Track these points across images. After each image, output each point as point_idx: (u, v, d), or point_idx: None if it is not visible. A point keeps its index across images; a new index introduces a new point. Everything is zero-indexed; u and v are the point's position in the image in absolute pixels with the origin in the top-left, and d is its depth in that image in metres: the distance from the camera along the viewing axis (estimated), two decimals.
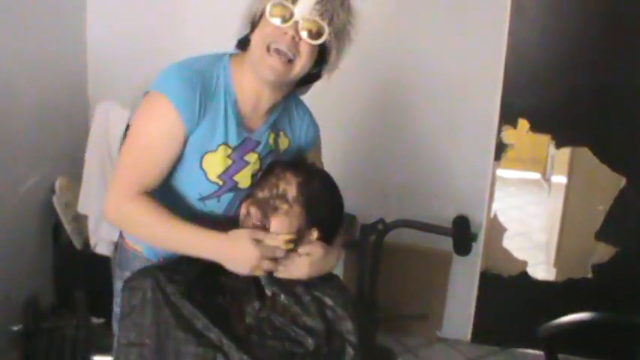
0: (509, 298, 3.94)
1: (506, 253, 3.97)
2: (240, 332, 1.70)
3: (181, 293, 1.67)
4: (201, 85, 1.77)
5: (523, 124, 3.68)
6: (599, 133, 3.67)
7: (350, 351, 1.75)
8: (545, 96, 3.67)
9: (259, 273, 1.74)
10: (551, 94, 3.66)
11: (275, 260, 1.75)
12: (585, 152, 3.69)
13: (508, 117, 3.68)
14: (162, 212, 1.76)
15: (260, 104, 1.88)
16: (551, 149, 5.53)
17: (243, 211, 1.82)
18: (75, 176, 3.54)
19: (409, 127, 3.81)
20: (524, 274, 3.93)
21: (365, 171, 3.87)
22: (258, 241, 1.71)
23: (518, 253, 4.01)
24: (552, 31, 3.61)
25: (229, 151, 1.83)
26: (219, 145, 1.82)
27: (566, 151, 3.89)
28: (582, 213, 3.90)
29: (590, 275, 3.83)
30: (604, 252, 3.80)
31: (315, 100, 3.74)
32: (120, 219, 1.83)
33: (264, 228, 1.75)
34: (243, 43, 1.85)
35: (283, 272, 1.78)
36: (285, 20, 1.72)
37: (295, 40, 1.74)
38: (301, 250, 1.79)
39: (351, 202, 3.69)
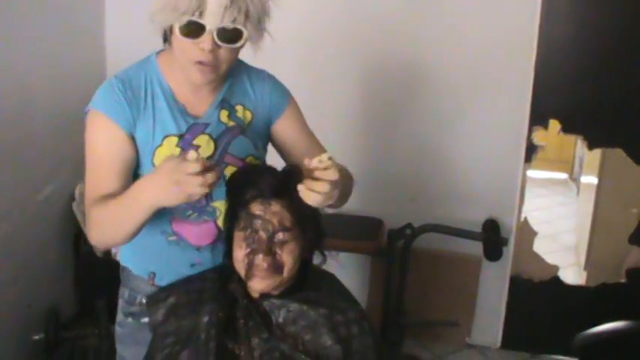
0: (540, 304, 3.86)
1: (537, 258, 3.89)
2: None
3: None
4: (126, 90, 1.81)
5: (554, 124, 3.60)
6: (634, 133, 3.57)
7: None
8: (577, 96, 3.58)
9: (190, 193, 1.56)
10: (583, 93, 3.57)
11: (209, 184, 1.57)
12: (618, 153, 3.60)
13: (539, 118, 3.59)
14: (107, 199, 1.74)
15: (200, 90, 1.86)
16: (579, 150, 5.47)
17: (242, 264, 1.70)
18: None
19: (437, 130, 3.74)
20: (556, 279, 3.84)
21: (392, 175, 3.81)
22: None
23: (549, 257, 3.93)
24: (585, 28, 3.51)
25: (176, 139, 1.82)
26: (164, 137, 1.82)
27: (597, 152, 3.80)
28: (615, 215, 3.82)
29: (624, 280, 3.73)
30: (639, 256, 3.69)
31: (343, 103, 3.73)
32: (92, 228, 1.81)
33: (279, 269, 1.67)
34: (167, 38, 1.82)
35: (316, 186, 1.61)
36: (197, 36, 1.67)
37: (215, 49, 1.69)
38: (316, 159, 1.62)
39: (378, 207, 3.70)
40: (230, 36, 1.68)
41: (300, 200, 1.66)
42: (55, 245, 3.50)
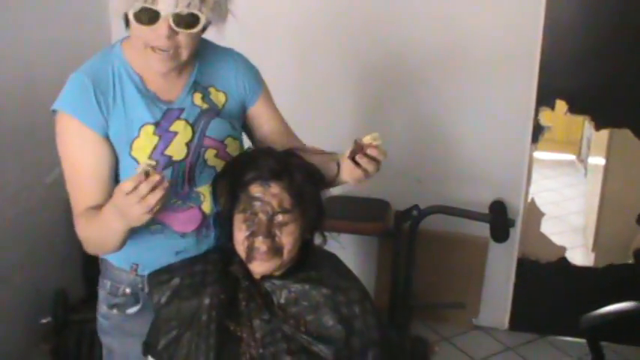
0: (547, 285, 3.85)
1: (544, 239, 3.89)
2: (254, 352, 1.66)
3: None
4: (93, 84, 1.77)
5: (561, 105, 3.57)
6: None
7: (371, 352, 1.68)
8: (584, 76, 3.54)
9: (142, 212, 1.51)
10: (590, 74, 3.53)
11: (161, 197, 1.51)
12: (626, 134, 3.57)
13: (545, 98, 3.56)
14: (90, 215, 1.72)
15: (168, 75, 1.82)
16: (587, 130, 5.44)
17: (242, 247, 1.69)
18: None
19: (443, 111, 3.72)
20: (563, 260, 3.83)
21: (398, 156, 3.77)
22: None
23: (556, 238, 3.93)
24: (591, 8, 3.47)
25: (152, 128, 1.79)
26: (140, 127, 1.78)
27: (604, 133, 3.78)
28: (622, 196, 3.82)
29: (631, 261, 3.72)
30: None
31: (348, 84, 3.72)
32: (83, 241, 1.79)
33: (278, 252, 1.67)
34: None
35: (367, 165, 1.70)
36: (152, 22, 1.64)
37: (171, 36, 1.66)
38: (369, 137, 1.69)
39: (385, 189, 3.69)
40: (187, 21, 1.65)
41: (299, 181, 1.67)
42: (62, 229, 3.50)
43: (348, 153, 1.70)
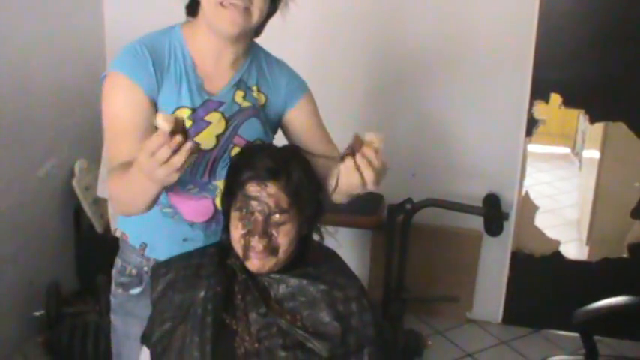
0: (541, 279, 3.86)
1: (538, 232, 3.89)
2: (249, 346, 1.65)
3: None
4: (150, 54, 1.77)
5: (555, 98, 3.57)
6: (636, 107, 3.54)
7: (366, 350, 1.67)
8: (579, 69, 3.54)
9: (166, 174, 1.45)
10: (584, 67, 3.53)
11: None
12: (620, 127, 3.57)
13: (540, 91, 3.56)
14: (122, 170, 1.66)
15: (221, 62, 1.85)
16: (582, 124, 5.44)
17: (239, 245, 1.67)
18: (95, 159, 3.49)
19: (436, 103, 3.71)
20: (557, 254, 3.83)
21: (391, 149, 3.71)
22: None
23: (550, 232, 3.92)
24: (586, 1, 3.47)
25: (188, 112, 1.80)
26: (177, 108, 1.79)
27: (599, 126, 3.77)
28: (617, 190, 3.80)
29: (625, 255, 3.72)
30: None
31: (343, 78, 3.71)
32: (112, 199, 1.82)
33: (274, 251, 1.66)
34: (192, 8, 1.84)
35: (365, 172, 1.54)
36: None
37: None
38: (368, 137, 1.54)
39: None
40: None
41: (297, 180, 1.65)
42: (55, 221, 3.50)
43: (346, 148, 1.56)
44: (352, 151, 1.53)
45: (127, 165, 1.63)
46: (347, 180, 1.55)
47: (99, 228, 3.53)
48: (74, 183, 3.46)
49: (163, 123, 1.40)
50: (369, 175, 1.52)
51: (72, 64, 3.48)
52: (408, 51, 3.65)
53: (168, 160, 1.41)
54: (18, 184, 3.18)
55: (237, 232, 1.67)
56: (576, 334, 2.73)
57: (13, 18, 3.07)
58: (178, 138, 1.41)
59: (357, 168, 1.52)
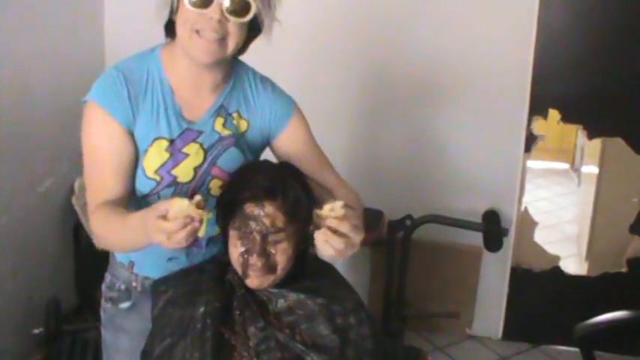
0: (541, 294, 3.86)
1: (538, 248, 3.89)
2: None
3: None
4: (127, 83, 1.75)
5: (554, 114, 3.58)
6: (634, 123, 3.55)
7: None
8: (577, 85, 3.56)
9: (167, 244, 1.51)
10: (582, 83, 3.55)
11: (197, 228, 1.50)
12: (619, 143, 3.58)
13: (538, 107, 3.57)
14: (110, 211, 1.70)
15: (200, 89, 1.82)
16: (580, 139, 5.45)
17: (237, 263, 1.69)
18: None
19: (436, 120, 3.72)
20: (557, 269, 3.83)
21: (392, 166, 3.79)
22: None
23: (549, 247, 3.93)
24: (584, 17, 3.49)
25: (166, 144, 1.77)
26: (155, 139, 1.77)
27: (597, 142, 3.78)
28: (616, 205, 3.82)
29: (625, 270, 3.72)
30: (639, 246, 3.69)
31: (339, 91, 3.72)
32: (96, 236, 1.78)
33: (272, 269, 1.67)
34: (169, 29, 1.79)
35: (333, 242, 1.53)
36: (206, 6, 1.66)
37: (222, 22, 1.67)
38: (327, 207, 1.54)
39: (378, 198, 3.68)
40: (238, 8, 1.66)
41: (293, 198, 1.66)
42: (54, 237, 3.49)
43: (311, 227, 1.58)
44: (316, 226, 1.55)
45: (113, 206, 1.69)
46: (324, 252, 1.56)
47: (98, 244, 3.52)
48: (73, 200, 3.45)
49: (192, 212, 1.46)
50: (338, 244, 1.52)
51: (71, 79, 3.47)
52: (406, 68, 3.66)
53: (174, 233, 1.47)
54: (18, 201, 3.17)
55: (236, 251, 1.67)
56: (576, 350, 2.71)
57: (12, 32, 3.07)
58: (196, 224, 1.47)
59: (326, 241, 1.53)
